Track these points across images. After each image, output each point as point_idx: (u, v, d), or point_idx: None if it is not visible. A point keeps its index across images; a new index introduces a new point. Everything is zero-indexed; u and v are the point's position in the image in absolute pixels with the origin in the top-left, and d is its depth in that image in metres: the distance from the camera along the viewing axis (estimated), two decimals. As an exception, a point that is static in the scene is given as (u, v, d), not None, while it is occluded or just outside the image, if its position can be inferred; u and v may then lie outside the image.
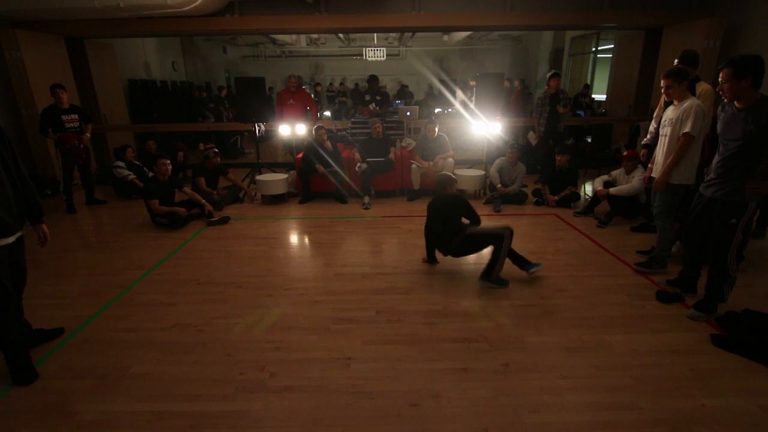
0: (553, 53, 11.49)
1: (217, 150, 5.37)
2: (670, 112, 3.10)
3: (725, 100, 2.49)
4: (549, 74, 5.94)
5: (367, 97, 7.47)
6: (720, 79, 2.41)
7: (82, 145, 5.02)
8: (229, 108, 10.15)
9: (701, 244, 2.78)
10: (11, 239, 2.12)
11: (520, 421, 1.92)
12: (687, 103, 2.95)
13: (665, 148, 3.10)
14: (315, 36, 13.41)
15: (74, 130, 5.01)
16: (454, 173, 5.51)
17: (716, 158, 2.56)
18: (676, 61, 3.55)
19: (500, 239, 3.14)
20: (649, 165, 3.39)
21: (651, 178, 3.31)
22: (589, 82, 10.62)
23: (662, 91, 3.27)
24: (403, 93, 13.13)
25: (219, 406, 2.03)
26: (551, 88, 5.84)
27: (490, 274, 3.18)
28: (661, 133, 3.19)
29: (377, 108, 7.24)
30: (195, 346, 2.50)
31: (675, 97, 3.04)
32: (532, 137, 6.53)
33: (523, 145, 7.23)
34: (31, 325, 2.49)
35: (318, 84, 14.66)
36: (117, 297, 3.09)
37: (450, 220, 3.32)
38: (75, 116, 5.07)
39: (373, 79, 7.54)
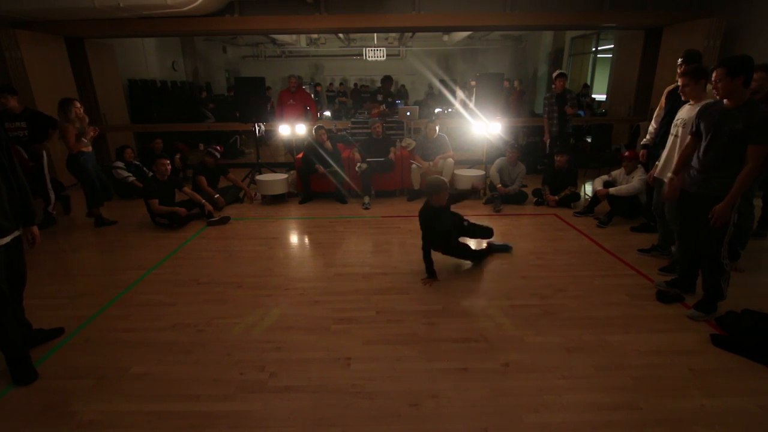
0: (553, 53, 11.49)
1: (215, 150, 5.37)
2: (684, 112, 3.03)
3: (717, 98, 2.51)
4: (555, 74, 5.82)
5: (380, 97, 7.40)
6: (713, 79, 2.43)
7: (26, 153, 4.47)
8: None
9: (695, 242, 2.78)
10: (6, 240, 2.11)
11: (520, 421, 1.92)
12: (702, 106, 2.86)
13: (676, 149, 2.99)
14: (315, 36, 13.41)
15: (19, 140, 4.44)
16: (454, 173, 5.53)
17: (700, 155, 2.56)
18: (679, 60, 3.52)
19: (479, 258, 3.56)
20: (657, 163, 3.31)
21: (656, 179, 3.25)
22: (589, 82, 10.63)
23: (666, 90, 3.24)
24: (401, 93, 13.12)
25: (219, 406, 2.03)
26: (557, 88, 5.72)
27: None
28: (672, 132, 3.11)
29: (386, 109, 7.16)
30: (195, 346, 2.49)
31: (692, 97, 2.97)
32: (546, 139, 6.12)
33: (523, 145, 7.22)
34: (32, 325, 2.49)
35: (318, 84, 14.66)
36: (117, 297, 3.09)
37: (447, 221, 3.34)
38: (22, 124, 4.50)
39: (387, 80, 7.46)
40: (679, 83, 3.01)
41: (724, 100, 2.45)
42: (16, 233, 2.20)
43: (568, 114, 5.78)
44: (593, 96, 10.41)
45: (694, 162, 2.63)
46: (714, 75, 2.42)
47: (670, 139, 3.13)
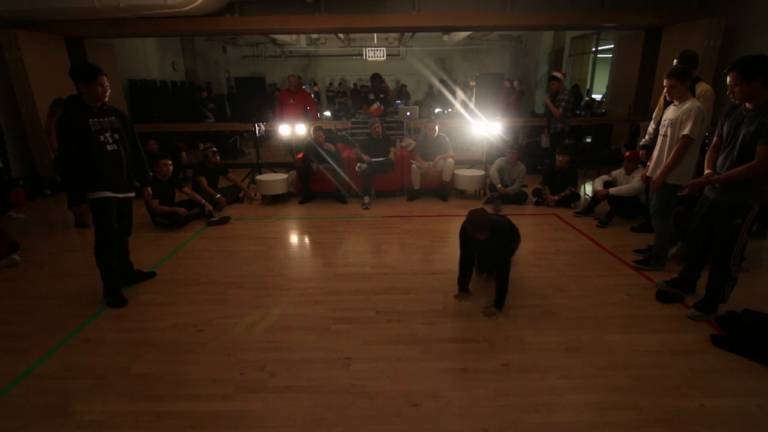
0: (553, 53, 11.49)
1: (215, 149, 5.37)
2: (670, 113, 3.09)
3: (736, 102, 2.43)
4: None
5: (371, 96, 7.37)
6: (729, 83, 2.35)
7: None
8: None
9: (705, 246, 2.78)
10: (122, 195, 2.92)
11: (520, 421, 1.92)
12: (687, 105, 2.94)
13: (665, 148, 3.09)
14: (315, 36, 13.41)
15: None
16: (454, 173, 5.53)
17: (721, 161, 2.52)
18: (675, 61, 3.54)
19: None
20: (648, 163, 3.38)
21: (648, 177, 3.31)
22: (589, 82, 10.65)
23: (664, 90, 3.24)
24: (401, 93, 13.11)
25: (219, 406, 2.03)
26: (553, 88, 5.85)
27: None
28: (660, 132, 3.19)
29: (381, 107, 7.12)
30: (195, 346, 2.49)
31: (677, 98, 3.02)
32: (543, 138, 6.45)
33: (523, 145, 7.22)
34: (133, 264, 3.28)
35: (316, 84, 14.66)
36: (117, 297, 3.08)
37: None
38: None
39: (375, 77, 7.39)
40: (665, 84, 3.05)
41: (746, 103, 2.37)
42: (130, 194, 2.98)
43: (552, 113, 5.86)
44: (593, 96, 10.43)
45: (717, 168, 2.56)
46: (728, 80, 2.34)
47: (660, 139, 3.19)
